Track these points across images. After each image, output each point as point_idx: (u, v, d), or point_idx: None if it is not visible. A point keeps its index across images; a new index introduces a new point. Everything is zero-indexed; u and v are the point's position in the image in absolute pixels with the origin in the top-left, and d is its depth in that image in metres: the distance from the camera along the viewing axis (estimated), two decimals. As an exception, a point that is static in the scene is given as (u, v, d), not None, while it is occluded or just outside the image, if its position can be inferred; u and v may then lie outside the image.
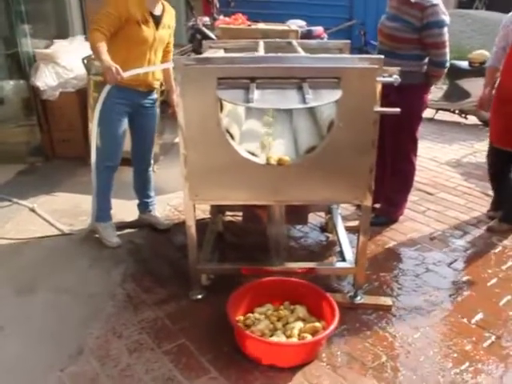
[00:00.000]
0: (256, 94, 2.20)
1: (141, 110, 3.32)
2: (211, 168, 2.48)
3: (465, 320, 2.68)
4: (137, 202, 3.69)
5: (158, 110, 3.46)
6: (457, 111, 6.83)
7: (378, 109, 2.35)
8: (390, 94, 2.83)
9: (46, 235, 3.51)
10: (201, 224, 3.14)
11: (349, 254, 2.94)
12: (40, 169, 4.76)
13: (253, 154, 2.51)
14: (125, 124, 3.27)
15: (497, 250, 3.40)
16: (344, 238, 3.14)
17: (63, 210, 3.90)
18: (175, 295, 2.86)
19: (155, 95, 3.43)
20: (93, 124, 3.16)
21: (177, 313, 2.72)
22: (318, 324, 2.45)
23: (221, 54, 3.13)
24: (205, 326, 2.61)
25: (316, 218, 3.75)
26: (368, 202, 2.59)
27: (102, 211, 3.43)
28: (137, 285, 2.97)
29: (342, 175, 2.50)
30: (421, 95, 3.42)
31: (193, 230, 2.67)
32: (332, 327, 2.35)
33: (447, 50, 3.24)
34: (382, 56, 2.34)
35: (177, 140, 3.77)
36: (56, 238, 3.49)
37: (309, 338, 2.36)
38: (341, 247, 3.05)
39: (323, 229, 3.66)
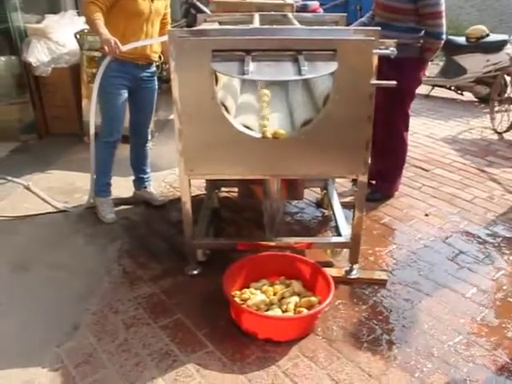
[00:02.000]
0: (251, 66, 2.17)
1: (140, 83, 3.29)
2: (206, 142, 2.46)
3: (459, 294, 2.69)
4: (132, 178, 3.68)
5: (156, 84, 3.43)
6: (453, 87, 6.80)
7: (374, 81, 2.32)
8: (383, 67, 2.81)
9: (41, 212, 3.49)
10: (196, 200, 3.14)
11: (344, 229, 2.94)
12: (33, 146, 4.72)
13: (248, 128, 2.49)
14: (124, 98, 3.24)
15: (491, 226, 3.40)
16: (340, 213, 3.14)
17: (58, 187, 3.88)
18: (171, 271, 2.86)
19: (154, 68, 3.39)
20: (92, 98, 3.12)
21: (173, 288, 2.72)
22: (313, 298, 2.46)
23: (216, 26, 3.08)
24: (201, 301, 2.61)
25: (312, 194, 3.74)
26: (364, 176, 2.58)
27: (101, 186, 3.42)
28: (133, 261, 2.97)
29: (337, 149, 2.48)
30: (415, 70, 3.38)
31: (188, 205, 2.65)
32: (327, 301, 2.36)
33: (444, 21, 3.20)
34: (379, 28, 2.31)
35: (171, 117, 3.75)
36: (51, 216, 3.48)
37: (305, 312, 2.37)
38: (336, 222, 3.05)
39: (319, 204, 3.66)
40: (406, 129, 3.61)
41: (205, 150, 2.48)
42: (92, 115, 3.14)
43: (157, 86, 3.44)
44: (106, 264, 2.94)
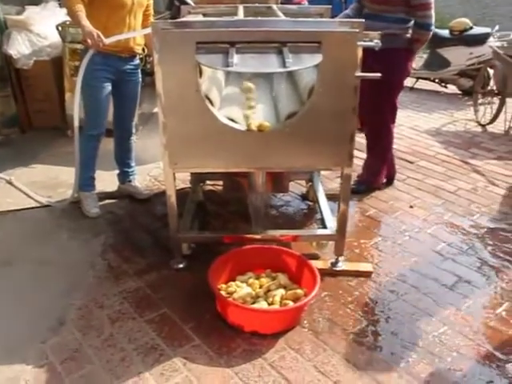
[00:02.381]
0: (236, 58, 2.16)
1: (123, 76, 3.25)
2: (191, 135, 2.44)
3: (444, 286, 2.71)
4: (117, 172, 3.65)
5: (140, 76, 3.39)
6: (437, 80, 6.84)
7: (359, 74, 2.32)
8: (371, 58, 2.81)
9: (24, 207, 3.45)
10: (181, 194, 3.12)
11: (330, 221, 2.95)
12: (16, 141, 4.65)
13: (233, 120, 2.47)
14: (108, 91, 3.20)
15: (475, 217, 3.44)
16: (325, 205, 3.14)
17: (41, 181, 3.83)
18: (156, 265, 2.84)
19: (137, 61, 3.35)
20: (75, 91, 3.08)
21: (158, 282, 2.71)
22: (299, 291, 2.46)
23: (200, 18, 3.05)
24: (186, 295, 2.60)
25: (297, 187, 3.74)
26: (349, 169, 2.58)
27: (85, 180, 3.39)
28: (117, 255, 2.95)
29: (322, 142, 2.48)
30: (403, 61, 3.38)
31: (173, 198, 2.64)
32: (313, 293, 2.36)
33: (433, 12, 3.20)
34: (363, 20, 2.30)
35: (155, 110, 3.70)
36: (34, 210, 3.43)
37: (291, 304, 2.38)
38: (322, 215, 3.06)
39: (304, 197, 3.66)
40: (393, 120, 3.61)
41: (189, 143, 2.47)
42: (76, 109, 3.10)
43: (140, 79, 3.41)
44: (91, 259, 2.91)
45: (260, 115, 2.57)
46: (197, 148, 2.48)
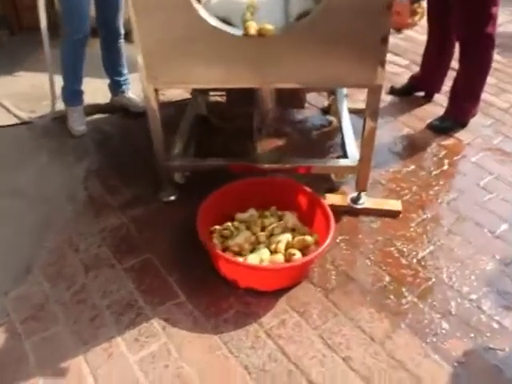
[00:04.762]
0: None
1: None
2: (172, 42, 1.93)
3: (487, 231, 2.23)
4: (107, 81, 3.15)
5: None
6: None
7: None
8: None
9: (3, 125, 3.02)
10: (183, 106, 2.63)
11: (352, 147, 2.43)
12: (3, 44, 4.11)
13: (227, 22, 1.94)
14: None
15: (531, 139, 2.86)
16: (348, 127, 2.61)
17: (25, 93, 3.35)
18: (144, 196, 2.46)
19: None
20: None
21: (144, 218, 2.33)
22: (308, 237, 2.02)
23: None
24: (175, 236, 2.22)
25: (317, 99, 3.17)
26: (379, 80, 2.00)
27: (71, 93, 2.95)
28: (101, 183, 2.56)
29: (344, 48, 1.90)
30: None
31: (156, 120, 2.20)
32: (325, 245, 1.92)
33: None
34: None
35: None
36: (13, 128, 3.02)
37: (297, 255, 1.94)
38: (343, 139, 2.53)
39: (325, 111, 3.10)
40: (494, 26, 2.73)
41: (171, 51, 1.96)
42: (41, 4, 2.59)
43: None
44: (70, 188, 2.52)
45: (263, 15, 1.99)
46: (181, 58, 1.97)
